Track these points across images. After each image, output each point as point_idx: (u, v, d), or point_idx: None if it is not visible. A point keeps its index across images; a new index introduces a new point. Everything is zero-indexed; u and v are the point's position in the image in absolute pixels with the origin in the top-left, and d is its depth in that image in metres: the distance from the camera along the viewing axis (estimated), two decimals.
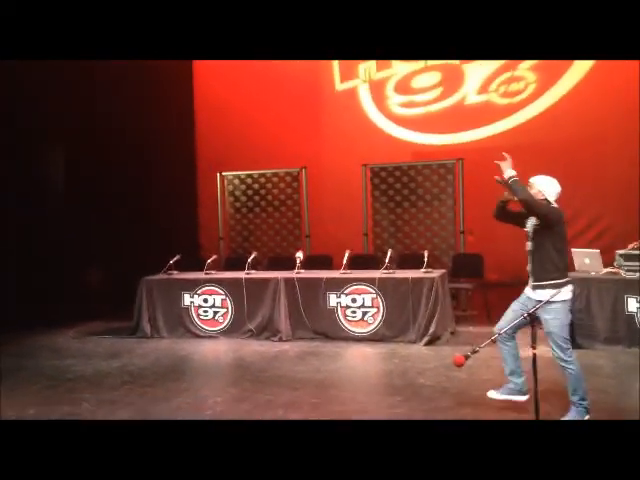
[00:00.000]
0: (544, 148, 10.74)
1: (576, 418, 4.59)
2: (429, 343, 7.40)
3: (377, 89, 12.05)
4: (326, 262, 9.25)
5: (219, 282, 8.31)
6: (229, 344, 8.02)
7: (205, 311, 8.35)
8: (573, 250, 7.32)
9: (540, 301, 4.42)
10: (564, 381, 5.93)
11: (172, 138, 11.73)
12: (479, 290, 8.93)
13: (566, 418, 4.62)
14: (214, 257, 8.92)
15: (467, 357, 3.87)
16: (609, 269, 7.00)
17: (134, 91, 10.61)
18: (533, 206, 4.57)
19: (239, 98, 12.32)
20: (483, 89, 11.41)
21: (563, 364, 4.63)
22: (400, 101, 11.96)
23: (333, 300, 7.86)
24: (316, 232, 10.74)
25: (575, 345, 6.87)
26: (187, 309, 8.40)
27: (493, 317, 8.35)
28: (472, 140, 11.40)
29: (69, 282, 9.59)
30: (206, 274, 8.49)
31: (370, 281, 7.75)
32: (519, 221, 4.82)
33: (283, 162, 10.97)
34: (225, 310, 8.25)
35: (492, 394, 5.16)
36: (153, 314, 8.46)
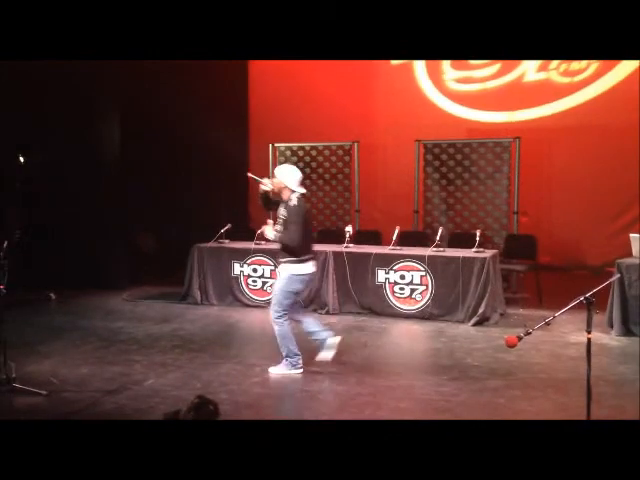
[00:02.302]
0: (603, 130, 10.45)
1: (283, 370, 5.68)
2: (478, 324, 7.35)
3: (433, 64, 11.80)
4: (375, 238, 9.21)
5: (269, 253, 8.36)
6: None
7: (254, 281, 8.45)
8: (632, 235, 7.12)
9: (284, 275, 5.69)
10: (614, 369, 5.85)
11: (225, 107, 11.75)
12: (531, 272, 8.77)
13: (274, 369, 5.71)
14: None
15: (520, 338, 3.79)
16: None
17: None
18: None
19: (294, 69, 12.21)
20: (543, 67, 11.09)
21: (272, 323, 5.71)
22: (456, 77, 11.71)
23: (381, 276, 7.85)
24: (366, 207, 10.70)
25: (628, 332, 6.77)
26: (237, 278, 8.51)
27: (545, 300, 8.25)
28: (529, 119, 11.11)
29: (123, 246, 9.80)
30: (256, 244, 8.54)
31: (420, 258, 7.70)
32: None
33: (336, 135, 10.89)
34: (273, 281, 8.31)
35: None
36: (203, 281, 8.59)
